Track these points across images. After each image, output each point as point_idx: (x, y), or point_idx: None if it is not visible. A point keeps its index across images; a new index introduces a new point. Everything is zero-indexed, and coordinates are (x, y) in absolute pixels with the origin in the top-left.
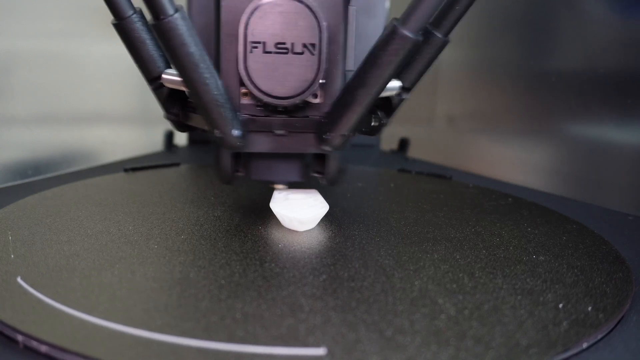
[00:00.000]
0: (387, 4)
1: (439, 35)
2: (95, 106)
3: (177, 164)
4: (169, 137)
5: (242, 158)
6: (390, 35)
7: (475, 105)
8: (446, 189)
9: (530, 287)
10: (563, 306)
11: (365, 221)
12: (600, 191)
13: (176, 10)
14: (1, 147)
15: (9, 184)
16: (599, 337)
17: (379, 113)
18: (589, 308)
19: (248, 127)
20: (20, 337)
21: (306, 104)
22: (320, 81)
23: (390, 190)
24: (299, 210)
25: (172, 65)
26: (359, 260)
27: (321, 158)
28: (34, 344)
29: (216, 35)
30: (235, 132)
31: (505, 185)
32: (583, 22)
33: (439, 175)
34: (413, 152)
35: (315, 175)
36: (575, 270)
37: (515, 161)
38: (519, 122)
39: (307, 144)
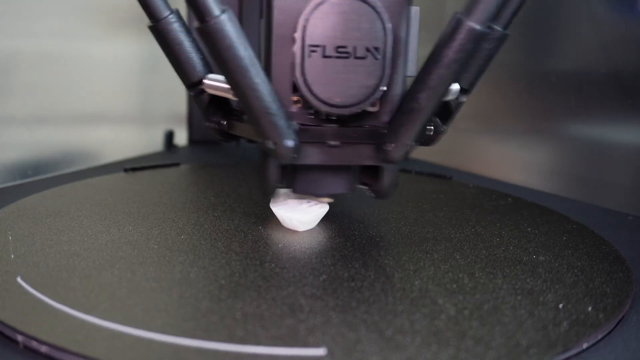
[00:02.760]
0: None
1: (498, 28)
2: (95, 106)
3: (177, 164)
4: (169, 137)
5: (286, 169)
6: (454, 29)
7: (475, 105)
8: (446, 189)
9: (530, 287)
10: (563, 306)
11: (365, 221)
12: (600, 191)
13: (223, 11)
14: (1, 147)
15: (9, 184)
16: (599, 337)
17: (433, 120)
18: (589, 308)
19: (300, 138)
20: (20, 337)
21: (363, 113)
22: (382, 88)
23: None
24: (299, 210)
25: (216, 70)
26: (359, 260)
27: (372, 169)
28: (34, 344)
29: (266, 38)
30: (289, 143)
31: (505, 185)
32: (583, 21)
33: (439, 175)
34: (413, 152)
35: (363, 187)
36: (575, 270)
37: (515, 161)
38: (519, 122)
39: (363, 156)
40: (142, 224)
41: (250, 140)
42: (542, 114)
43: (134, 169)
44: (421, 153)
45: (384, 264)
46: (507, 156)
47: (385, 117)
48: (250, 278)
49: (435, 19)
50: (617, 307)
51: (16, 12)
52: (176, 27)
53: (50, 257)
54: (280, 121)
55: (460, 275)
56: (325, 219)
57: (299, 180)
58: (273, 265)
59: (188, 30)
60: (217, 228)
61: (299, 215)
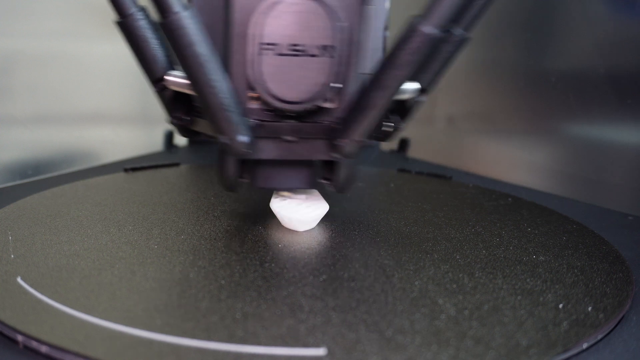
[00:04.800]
0: (388, 4)
1: (458, 30)
2: (95, 106)
3: (177, 164)
4: (169, 137)
5: (247, 164)
6: (409, 32)
7: (476, 105)
8: (446, 189)
9: (530, 287)
10: (563, 306)
11: (365, 221)
12: (600, 191)
13: (185, 8)
14: (1, 147)
15: (9, 184)
16: (599, 337)
17: (391, 117)
18: (589, 308)
19: (256, 133)
20: (20, 337)
21: (318, 109)
22: (336, 85)
23: (390, 190)
24: (299, 210)
25: (177, 66)
26: (359, 261)
27: (331, 164)
28: (34, 344)
29: (225, 36)
30: (242, 138)
31: (505, 185)
32: (583, 22)
33: (439, 175)
34: (413, 152)
35: (324, 182)
36: (575, 270)
37: (515, 161)
38: (519, 122)
39: (318, 151)
40: (142, 224)
41: (209, 136)
42: (542, 114)
43: (134, 169)
44: (421, 153)
45: (384, 264)
46: (507, 156)
47: (339, 114)
48: (250, 278)
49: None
50: (617, 307)
51: (16, 12)
52: (142, 24)
53: (50, 257)
54: (235, 117)
55: (460, 275)
56: (325, 219)
57: (258, 174)
58: (273, 265)
59: (154, 28)
60: (217, 228)
61: (299, 215)
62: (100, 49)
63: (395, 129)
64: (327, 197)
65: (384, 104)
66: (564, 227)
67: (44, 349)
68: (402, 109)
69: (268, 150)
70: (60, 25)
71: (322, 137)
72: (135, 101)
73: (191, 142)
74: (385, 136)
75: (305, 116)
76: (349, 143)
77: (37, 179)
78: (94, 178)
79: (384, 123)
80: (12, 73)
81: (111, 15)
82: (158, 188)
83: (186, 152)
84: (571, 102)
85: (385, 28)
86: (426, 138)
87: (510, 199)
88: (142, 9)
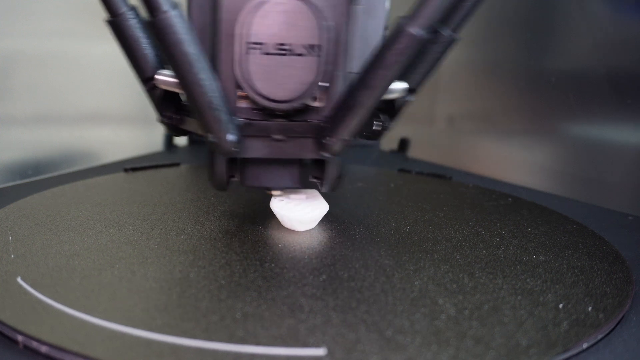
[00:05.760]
0: (388, 4)
1: (446, 32)
2: (95, 106)
3: (177, 164)
4: (169, 137)
5: (237, 163)
6: (396, 33)
7: (475, 105)
8: (446, 189)
9: (530, 287)
10: (563, 306)
11: (365, 221)
12: (600, 191)
13: (173, 7)
14: (1, 147)
15: (9, 184)
16: (599, 337)
17: (381, 116)
18: (589, 308)
19: (244, 132)
20: (20, 337)
21: (306, 108)
22: (322, 84)
23: (390, 190)
24: (299, 210)
25: (167, 65)
26: (359, 261)
27: (321, 163)
28: (34, 344)
29: (213, 35)
30: (230, 137)
31: (505, 185)
32: (583, 22)
33: (439, 175)
34: (413, 152)
35: (314, 180)
36: (575, 270)
37: (515, 161)
38: (519, 122)
39: (306, 150)
40: (142, 224)
41: (198, 135)
42: (542, 114)
43: (134, 169)
44: (421, 153)
45: (384, 264)
46: (507, 156)
47: (327, 113)
48: (250, 278)
49: None
50: (617, 307)
51: (16, 12)
52: (133, 24)
53: (50, 257)
54: (223, 116)
55: (460, 275)
56: (325, 219)
57: (248, 172)
58: (273, 265)
59: (144, 27)
60: (217, 228)
61: (299, 215)
62: (100, 49)
63: (384, 128)
64: (327, 197)
65: (371, 104)
66: (564, 227)
67: (44, 349)
68: (390, 109)
69: (256, 149)
70: (60, 25)
71: (310, 135)
72: (135, 101)
73: (191, 142)
74: (375, 135)
75: (293, 115)
76: (337, 141)
77: (37, 179)
78: (94, 178)
79: (374, 122)
80: (12, 73)
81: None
82: (158, 188)
83: (186, 152)
84: (571, 102)
85: (386, 28)
86: (426, 138)
87: (510, 199)
88: (133, 9)
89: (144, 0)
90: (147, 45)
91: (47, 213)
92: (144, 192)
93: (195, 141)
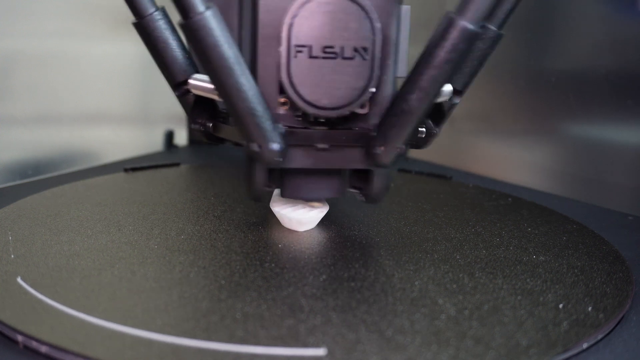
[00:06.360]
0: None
1: (492, 27)
2: (95, 106)
3: (177, 164)
4: (169, 137)
5: (276, 173)
6: (446, 28)
7: (475, 105)
8: (446, 189)
9: (530, 287)
10: (563, 306)
11: (365, 221)
12: (600, 191)
13: (207, 8)
14: (1, 147)
15: (9, 184)
16: (599, 337)
17: (427, 122)
18: (589, 308)
19: (286, 140)
20: (20, 337)
21: (352, 115)
22: (371, 90)
23: (390, 190)
24: (298, 210)
25: (202, 70)
26: (359, 261)
27: (362, 173)
28: (34, 344)
29: (251, 38)
30: (275, 146)
31: (505, 185)
32: (583, 22)
33: (439, 175)
34: (413, 152)
35: (353, 190)
36: (575, 270)
37: (515, 161)
38: (519, 122)
39: (353, 160)
40: (142, 224)
41: (236, 144)
42: (542, 114)
43: (134, 169)
44: (421, 153)
45: (384, 264)
46: (507, 156)
47: (374, 120)
48: (250, 278)
49: (436, 18)
50: (617, 307)
51: (16, 12)
52: (161, 25)
53: (50, 257)
54: (266, 123)
55: (460, 275)
56: (325, 219)
57: (287, 184)
58: (273, 265)
59: (174, 29)
60: (217, 228)
61: (299, 215)
62: (100, 49)
63: (431, 134)
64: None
65: (423, 107)
66: (564, 227)
67: (44, 349)
68: (437, 113)
69: (300, 159)
70: (60, 25)
71: (356, 144)
72: (135, 101)
73: (191, 142)
74: (421, 143)
75: (338, 123)
76: (387, 151)
77: (37, 179)
78: (94, 178)
79: (419, 129)
80: (12, 73)
81: (111, 15)
82: (158, 188)
83: (186, 152)
84: (571, 102)
85: None
86: None
87: (510, 199)
88: (161, 9)
89: (176, 1)
90: (177, 48)
91: (47, 213)
92: (144, 192)
93: (196, 141)
